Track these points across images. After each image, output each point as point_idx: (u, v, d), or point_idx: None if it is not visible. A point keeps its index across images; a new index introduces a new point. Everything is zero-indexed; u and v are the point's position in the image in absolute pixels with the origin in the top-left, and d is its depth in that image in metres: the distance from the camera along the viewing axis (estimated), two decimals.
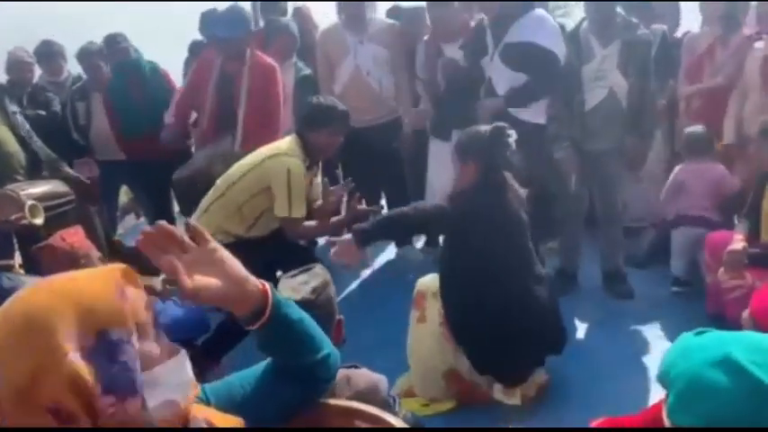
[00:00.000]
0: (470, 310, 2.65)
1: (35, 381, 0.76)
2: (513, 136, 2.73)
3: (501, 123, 2.78)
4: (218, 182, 3.14)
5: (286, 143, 3.09)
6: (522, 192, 2.80)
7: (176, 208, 4.79)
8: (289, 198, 2.94)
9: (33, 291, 0.83)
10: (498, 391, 2.69)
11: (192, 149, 4.39)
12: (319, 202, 3.28)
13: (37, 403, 0.76)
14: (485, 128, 2.77)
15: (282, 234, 3.11)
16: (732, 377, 0.89)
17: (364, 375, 1.70)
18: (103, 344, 0.81)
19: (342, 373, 1.62)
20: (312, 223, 3.13)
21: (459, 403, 2.78)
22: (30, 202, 2.94)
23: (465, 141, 2.81)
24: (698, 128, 3.84)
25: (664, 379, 1.00)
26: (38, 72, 4.88)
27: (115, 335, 0.82)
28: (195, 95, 3.96)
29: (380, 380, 1.72)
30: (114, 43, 4.54)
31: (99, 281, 0.85)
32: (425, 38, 4.18)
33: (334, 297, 1.99)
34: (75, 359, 0.78)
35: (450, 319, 2.71)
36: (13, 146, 3.44)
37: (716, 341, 0.96)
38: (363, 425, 1.12)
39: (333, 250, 2.68)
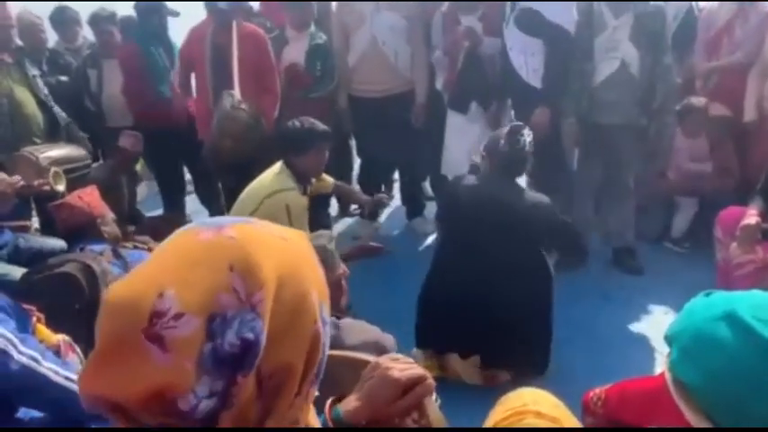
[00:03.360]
0: (448, 289, 2.72)
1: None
2: (527, 136, 2.78)
3: (518, 123, 2.84)
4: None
5: (275, 176, 3.09)
6: (540, 198, 2.79)
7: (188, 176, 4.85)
8: None
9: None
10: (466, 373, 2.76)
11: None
12: None
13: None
14: (505, 129, 2.85)
15: None
16: (736, 332, 0.89)
17: (368, 329, 1.74)
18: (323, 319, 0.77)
19: (349, 322, 1.67)
20: None
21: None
22: (53, 169, 2.99)
23: (488, 138, 2.95)
24: (693, 102, 3.93)
25: (669, 336, 1.01)
26: (53, 37, 4.90)
27: (325, 311, 0.77)
28: (190, 69, 4.06)
29: (386, 337, 1.76)
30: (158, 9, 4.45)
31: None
32: (443, 8, 4.14)
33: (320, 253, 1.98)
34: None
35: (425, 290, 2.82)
36: (32, 108, 3.46)
37: (722, 299, 0.97)
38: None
39: None
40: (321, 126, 3.14)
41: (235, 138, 3.62)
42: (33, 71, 3.59)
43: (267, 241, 0.72)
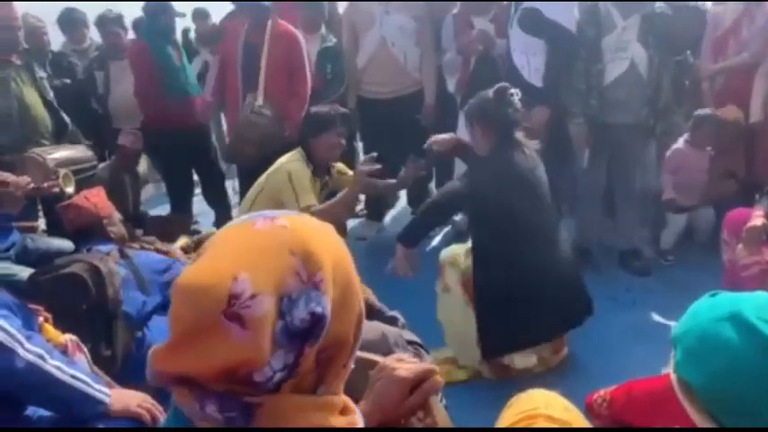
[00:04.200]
0: (499, 275, 2.66)
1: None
2: (517, 94, 2.74)
3: (504, 84, 2.78)
4: (242, 206, 3.29)
5: (288, 155, 3.17)
6: (534, 144, 2.83)
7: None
8: (295, 195, 3.00)
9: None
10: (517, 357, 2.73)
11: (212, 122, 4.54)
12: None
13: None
14: (489, 90, 2.78)
15: None
16: (740, 333, 0.89)
17: (372, 325, 1.74)
18: None
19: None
20: (321, 206, 3.10)
21: (476, 374, 2.82)
22: (63, 171, 3.01)
23: (472, 106, 2.84)
24: (707, 113, 3.79)
25: (674, 337, 1.01)
26: (60, 39, 4.93)
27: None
28: (225, 68, 4.05)
29: (389, 331, 1.75)
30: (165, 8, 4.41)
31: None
32: (455, 11, 4.14)
33: None
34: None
35: (477, 285, 2.74)
36: (40, 110, 3.48)
37: (727, 300, 0.97)
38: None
39: (390, 268, 2.78)
40: (339, 109, 3.15)
41: (255, 144, 3.65)
42: (41, 73, 3.61)
43: (315, 229, 0.81)
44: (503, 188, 2.61)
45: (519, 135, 2.76)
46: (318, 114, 3.12)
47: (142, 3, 4.30)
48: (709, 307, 0.98)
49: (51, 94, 3.63)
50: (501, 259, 2.67)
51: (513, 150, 2.70)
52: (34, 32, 4.25)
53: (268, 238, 0.77)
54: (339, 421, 0.81)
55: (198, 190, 4.90)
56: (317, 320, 0.74)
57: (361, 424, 0.85)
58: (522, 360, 2.71)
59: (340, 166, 3.36)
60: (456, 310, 2.83)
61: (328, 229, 0.85)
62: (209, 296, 0.71)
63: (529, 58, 3.60)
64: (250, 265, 0.73)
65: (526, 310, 2.63)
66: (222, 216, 4.60)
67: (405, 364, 1.07)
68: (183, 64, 4.36)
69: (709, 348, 0.92)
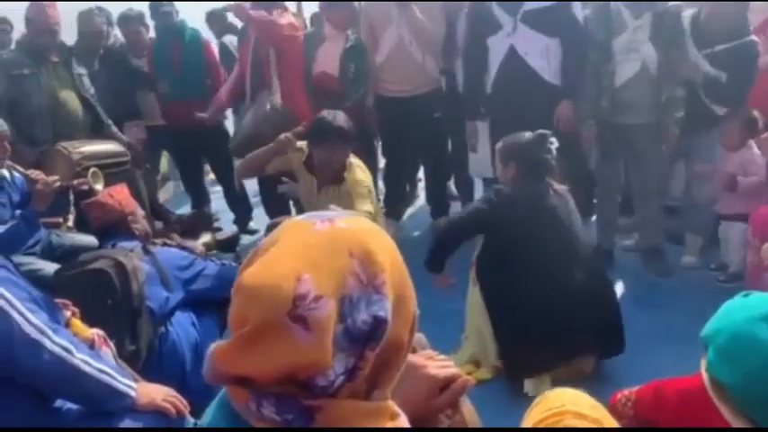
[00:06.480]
0: (511, 306, 2.71)
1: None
2: (555, 143, 2.82)
3: (544, 131, 2.84)
4: None
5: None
6: (563, 188, 2.89)
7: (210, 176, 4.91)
8: None
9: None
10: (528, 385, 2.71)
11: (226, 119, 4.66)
12: None
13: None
14: (528, 134, 2.84)
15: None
16: None
17: None
18: None
19: None
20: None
21: (499, 372, 2.81)
22: (92, 169, 3.06)
23: (508, 145, 2.90)
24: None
25: (705, 337, 1.00)
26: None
27: None
28: (241, 67, 4.16)
29: (418, 335, 1.75)
30: (159, 7, 4.49)
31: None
32: (466, 9, 4.12)
33: None
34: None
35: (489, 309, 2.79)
36: (76, 107, 3.52)
37: (760, 300, 0.96)
38: None
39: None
40: (342, 125, 3.08)
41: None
42: (80, 70, 3.64)
43: (372, 230, 0.80)
44: (525, 215, 2.69)
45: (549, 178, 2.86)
46: (320, 124, 3.09)
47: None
48: (742, 307, 0.97)
49: (92, 91, 3.67)
50: (505, 285, 2.73)
51: (539, 190, 2.80)
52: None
53: (328, 239, 0.76)
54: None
55: (218, 188, 4.94)
56: (378, 324, 0.73)
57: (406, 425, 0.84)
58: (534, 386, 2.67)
59: (357, 177, 3.18)
60: (478, 305, 2.83)
61: (382, 231, 0.83)
62: (274, 296, 0.70)
63: (549, 59, 3.59)
64: (313, 266, 0.72)
65: (536, 334, 2.64)
66: (240, 214, 4.64)
67: (434, 362, 1.06)
68: (181, 65, 4.36)
69: (745, 348, 0.91)
